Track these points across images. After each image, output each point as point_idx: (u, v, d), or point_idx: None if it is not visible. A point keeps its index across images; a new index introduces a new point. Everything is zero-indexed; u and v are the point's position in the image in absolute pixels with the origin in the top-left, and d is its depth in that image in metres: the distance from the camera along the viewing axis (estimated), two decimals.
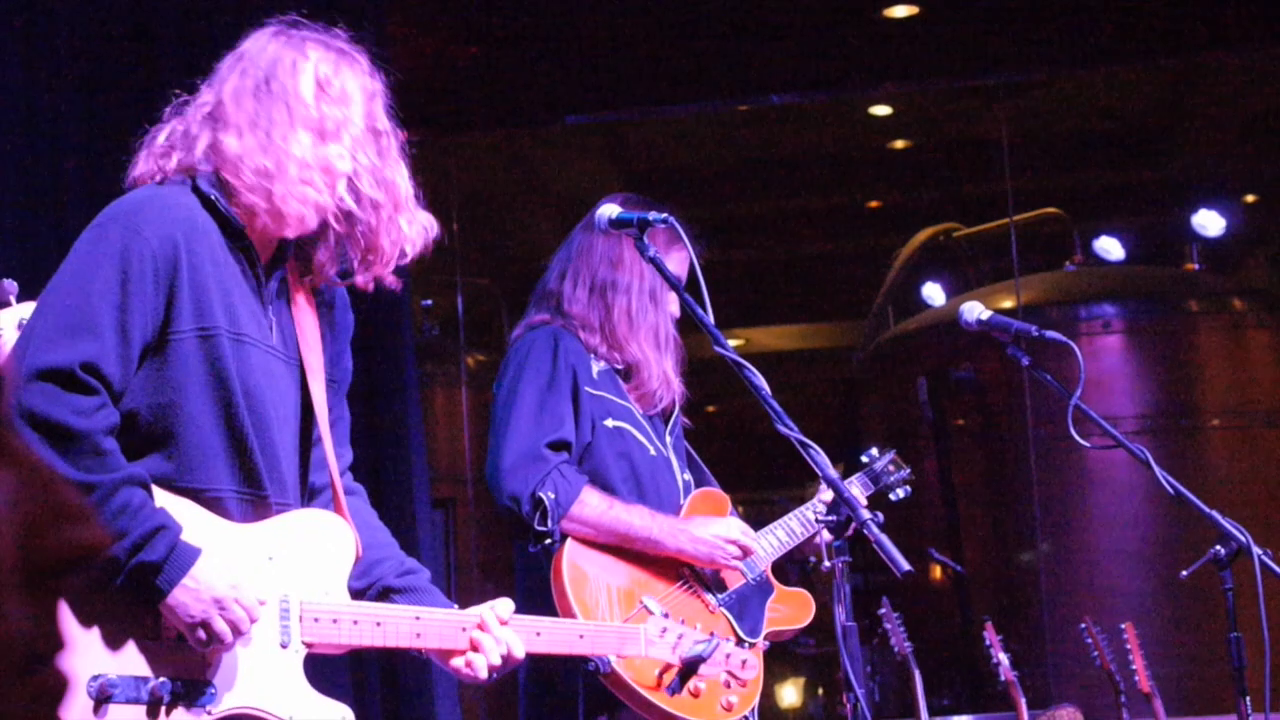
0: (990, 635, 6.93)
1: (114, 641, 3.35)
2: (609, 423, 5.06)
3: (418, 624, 3.72)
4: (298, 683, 3.55)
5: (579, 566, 4.86)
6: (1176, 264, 11.17)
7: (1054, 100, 11.11)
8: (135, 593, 3.35)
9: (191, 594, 3.35)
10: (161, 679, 3.37)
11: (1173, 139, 11.94)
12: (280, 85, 3.64)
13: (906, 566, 3.60)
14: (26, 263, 6.14)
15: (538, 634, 3.94)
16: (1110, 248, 11.18)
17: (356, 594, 3.77)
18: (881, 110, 11.22)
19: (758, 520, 5.44)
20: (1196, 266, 11.03)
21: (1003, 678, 6.87)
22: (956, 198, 12.37)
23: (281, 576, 3.56)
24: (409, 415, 7.25)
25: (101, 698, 3.30)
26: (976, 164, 11.48)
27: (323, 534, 3.66)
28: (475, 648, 3.78)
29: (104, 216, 3.53)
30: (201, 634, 3.38)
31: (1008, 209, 10.63)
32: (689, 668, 4.35)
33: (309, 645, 3.57)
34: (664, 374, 5.16)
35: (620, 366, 5.14)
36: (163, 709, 3.36)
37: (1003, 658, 6.88)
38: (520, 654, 3.84)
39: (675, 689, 4.46)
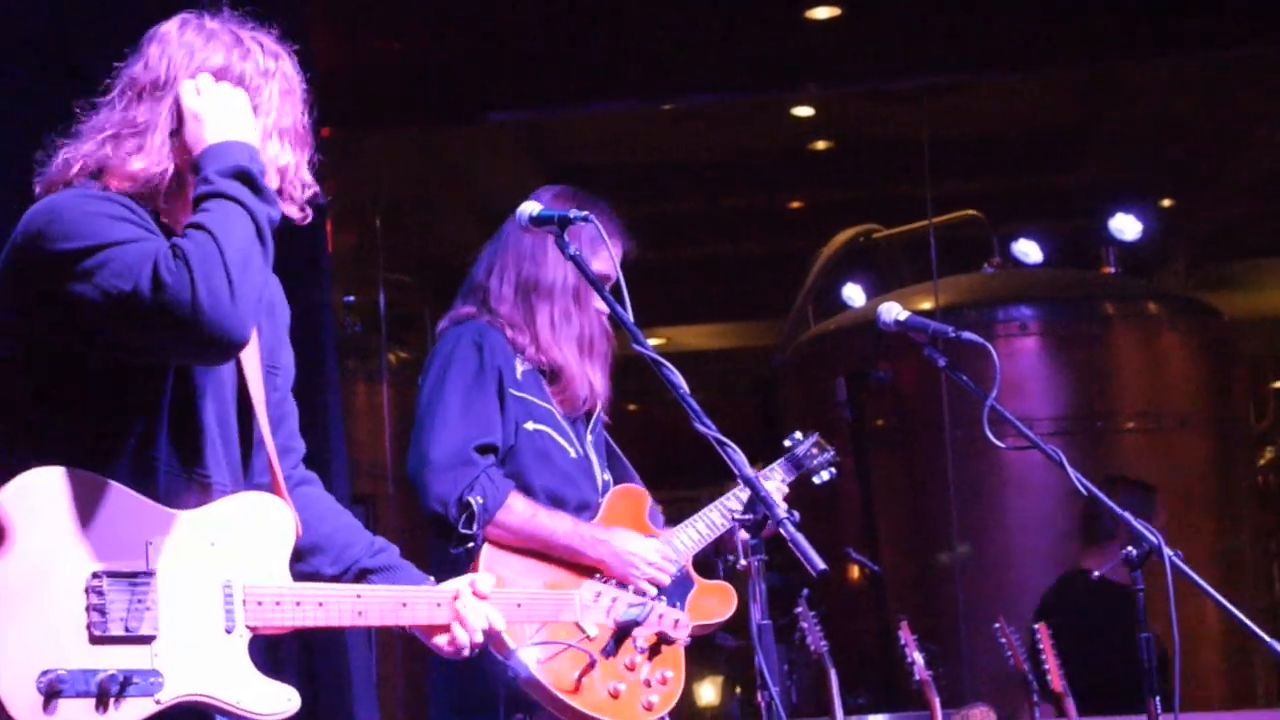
0: (905, 635, 6.97)
1: (58, 639, 3.35)
2: (529, 425, 5.07)
3: (359, 602, 3.73)
4: (244, 667, 3.55)
5: (495, 570, 4.83)
6: (1093, 268, 11.24)
7: (974, 103, 11.17)
8: None
9: None
10: (110, 671, 3.37)
11: (1091, 143, 12.03)
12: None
13: (822, 566, 3.61)
14: None
15: (404, 605, 3.87)
16: (1028, 251, 11.25)
17: (333, 579, 3.83)
18: (803, 111, 11.26)
19: (678, 518, 5.46)
20: (1113, 270, 11.11)
21: (917, 677, 6.90)
22: (877, 199, 12.41)
23: (223, 561, 3.55)
24: (330, 411, 7.23)
25: (51, 693, 3.30)
26: (897, 166, 11.52)
27: (262, 516, 3.65)
28: (461, 622, 3.82)
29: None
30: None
31: (927, 211, 10.68)
32: (624, 631, 4.34)
33: (253, 629, 3.57)
34: (587, 379, 5.17)
35: (545, 368, 5.14)
36: (111, 700, 3.36)
37: (918, 657, 6.91)
38: (501, 625, 3.87)
39: (610, 652, 4.45)
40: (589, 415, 5.29)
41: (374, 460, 10.36)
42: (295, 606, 3.63)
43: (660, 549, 5.11)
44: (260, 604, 3.58)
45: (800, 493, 5.85)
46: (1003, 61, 9.82)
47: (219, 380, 3.66)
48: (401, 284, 11.61)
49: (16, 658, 3.31)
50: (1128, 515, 4.52)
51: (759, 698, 3.78)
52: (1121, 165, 12.32)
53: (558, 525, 4.98)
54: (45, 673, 3.31)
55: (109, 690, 3.36)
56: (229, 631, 3.54)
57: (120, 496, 3.45)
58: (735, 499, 5.34)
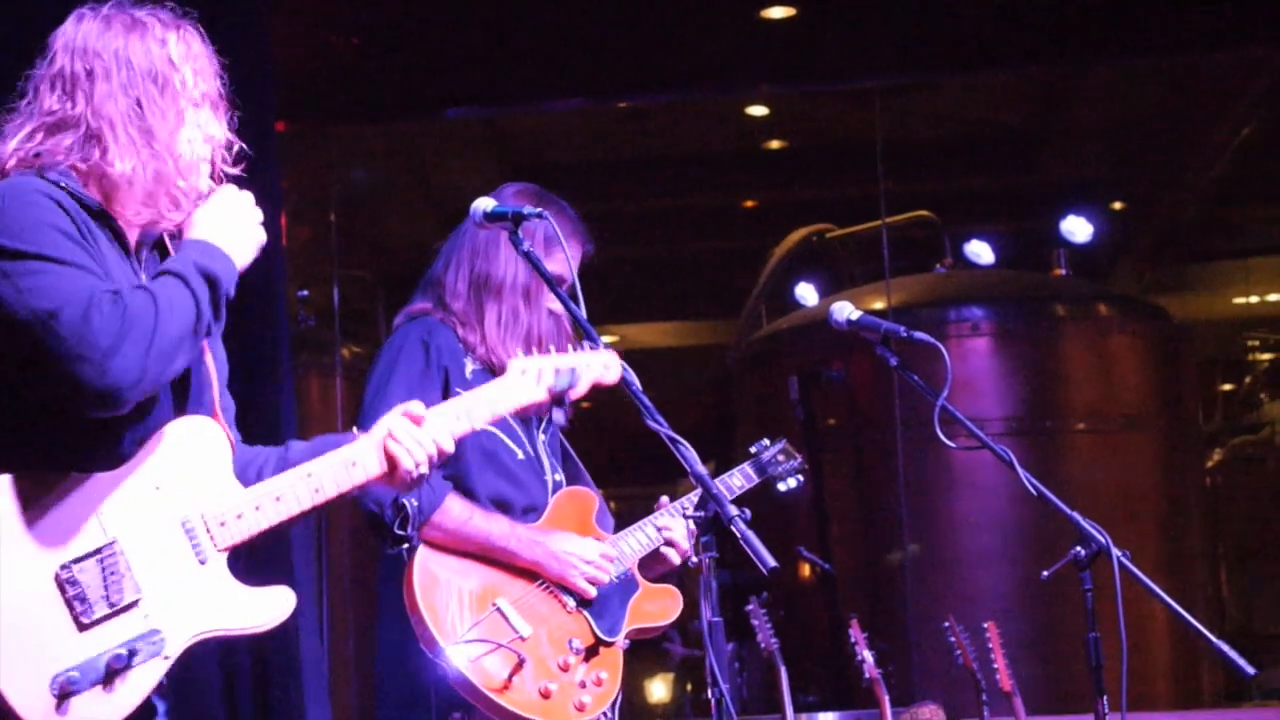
0: (855, 633, 6.99)
1: (51, 641, 3.39)
2: None
3: (310, 480, 3.74)
4: (232, 589, 3.62)
5: (430, 571, 4.85)
6: (1045, 269, 11.30)
7: (928, 104, 11.21)
8: None
9: None
10: (113, 650, 3.42)
11: (1043, 146, 12.08)
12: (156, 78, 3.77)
13: (773, 563, 3.63)
14: None
15: (353, 465, 3.84)
16: (980, 252, 11.30)
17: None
18: (758, 110, 11.29)
19: (630, 517, 5.45)
20: (1064, 272, 11.16)
21: (867, 675, 6.92)
22: (830, 199, 12.45)
23: (173, 500, 3.60)
24: (282, 405, 7.22)
25: (64, 694, 3.35)
26: (850, 166, 11.56)
27: (194, 439, 3.68)
28: (392, 461, 3.80)
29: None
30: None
31: (880, 211, 10.71)
32: (559, 398, 4.24)
33: (227, 549, 3.63)
34: None
35: (495, 367, 5.12)
36: (118, 679, 3.42)
37: (867, 655, 6.93)
38: (450, 446, 3.86)
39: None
40: (541, 417, 5.27)
41: None
42: (256, 511, 3.66)
43: (600, 549, 5.08)
44: (223, 524, 3.62)
45: (755, 493, 5.84)
46: (957, 63, 9.85)
47: None
48: (356, 279, 11.60)
49: (21, 673, 3.34)
50: (1076, 516, 4.55)
51: (709, 694, 3.80)
52: (1074, 168, 12.39)
53: (493, 528, 4.95)
54: (55, 678, 3.35)
55: (117, 667, 3.41)
56: (204, 563, 3.59)
57: (60, 484, 3.48)
58: (684, 507, 5.32)
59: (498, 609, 4.87)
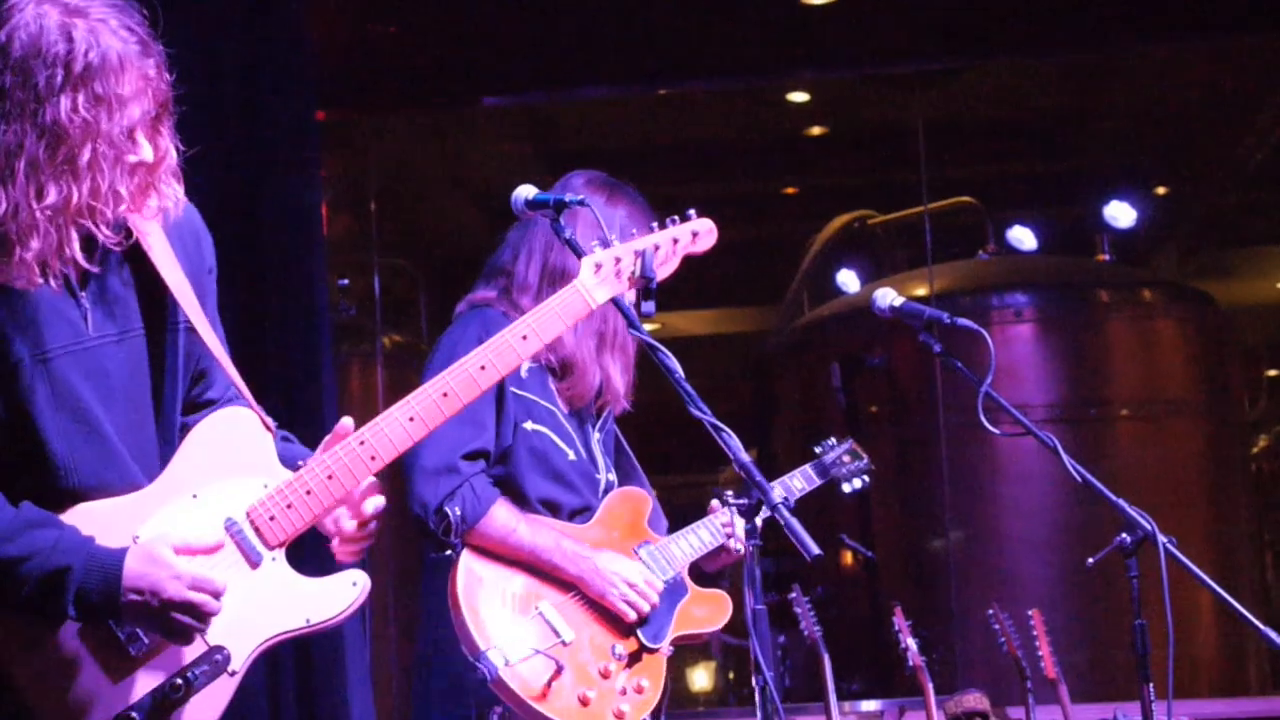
0: (899, 620, 6.97)
1: (112, 682, 3.32)
2: (528, 425, 4.98)
3: (364, 446, 3.58)
4: (294, 585, 3.50)
5: (474, 573, 4.81)
6: (1088, 254, 11.26)
7: (970, 90, 11.16)
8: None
9: (140, 607, 3.30)
10: (173, 680, 3.33)
11: (1086, 131, 12.03)
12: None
13: (816, 550, 3.61)
14: None
15: (411, 419, 3.69)
16: (1023, 237, 11.26)
17: None
18: (799, 97, 11.25)
19: (672, 506, 5.41)
20: (1107, 257, 11.12)
21: (910, 663, 6.90)
22: (872, 185, 12.41)
23: (214, 505, 3.47)
24: (324, 394, 7.22)
25: None
26: (892, 152, 11.52)
27: (228, 435, 3.55)
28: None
29: None
30: (180, 629, 3.35)
31: (922, 197, 10.68)
32: (647, 285, 4.19)
33: (280, 544, 3.50)
34: (602, 371, 5.06)
35: (555, 364, 5.08)
36: (183, 709, 3.33)
37: (911, 643, 6.92)
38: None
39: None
40: (598, 414, 5.20)
41: None
42: (307, 496, 3.52)
43: (644, 573, 4.99)
44: (273, 518, 3.49)
45: (829, 488, 5.74)
46: (999, 47, 9.80)
47: (111, 386, 3.47)
48: (396, 267, 11.61)
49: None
50: (1122, 502, 4.52)
51: (753, 683, 3.77)
52: (1117, 152, 12.32)
53: (540, 539, 4.88)
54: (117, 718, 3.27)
55: (175, 697, 3.31)
56: (256, 564, 3.47)
57: (92, 511, 3.37)
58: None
59: (540, 613, 4.83)
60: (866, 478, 5.82)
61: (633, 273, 4.18)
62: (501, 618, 4.79)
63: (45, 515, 3.31)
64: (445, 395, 3.73)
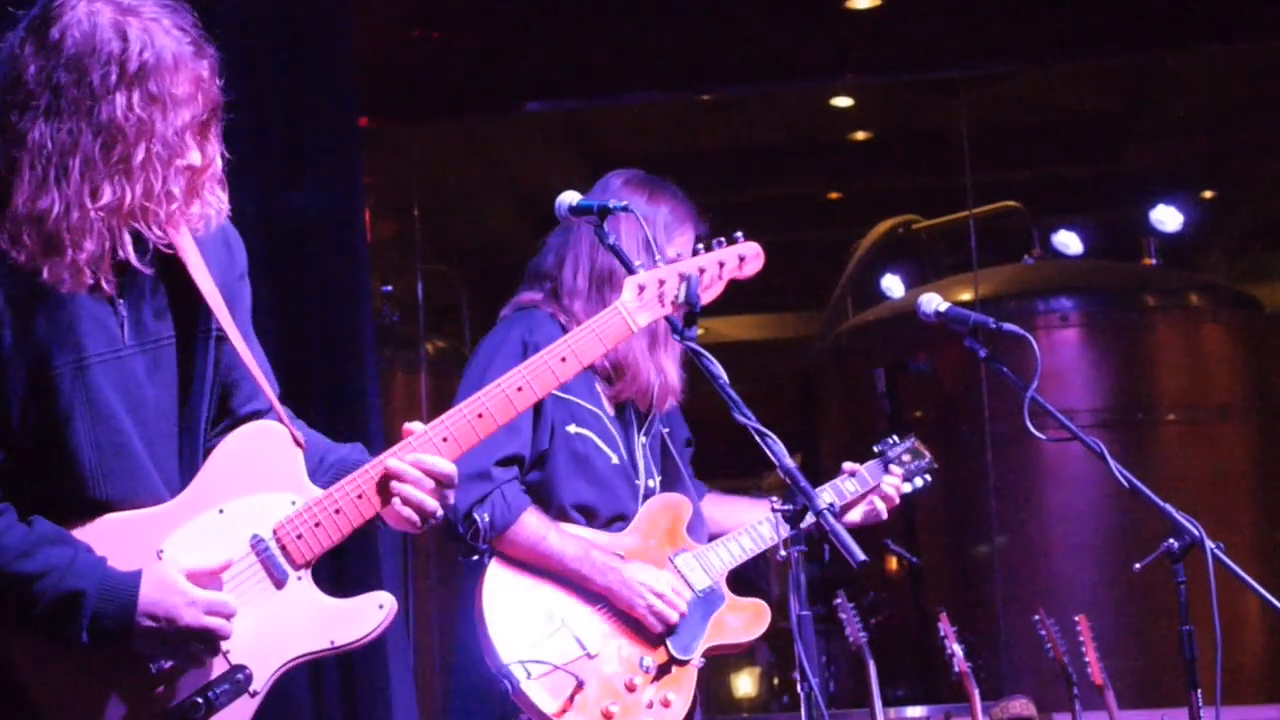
0: (945, 626, 6.95)
1: (133, 696, 3.28)
2: (570, 428, 4.97)
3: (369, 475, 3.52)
4: (319, 606, 3.44)
5: (501, 581, 4.81)
6: (1134, 259, 11.20)
7: (1015, 93, 11.13)
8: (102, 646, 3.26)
9: (154, 633, 3.27)
10: (193, 699, 3.29)
11: (1132, 134, 11.97)
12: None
13: (862, 556, 3.60)
14: None
15: (444, 439, 3.66)
16: (1069, 242, 11.22)
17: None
18: (843, 101, 11.23)
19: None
20: (1154, 262, 11.07)
21: (956, 669, 6.88)
22: (916, 190, 12.38)
23: (240, 520, 3.42)
24: (368, 401, 7.22)
25: None
26: (937, 156, 11.48)
27: (255, 449, 3.49)
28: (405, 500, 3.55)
29: None
30: (193, 655, 3.31)
31: (967, 201, 10.65)
32: (691, 310, 4.12)
33: (307, 563, 3.44)
34: (656, 368, 5.03)
35: (606, 367, 5.05)
36: None
37: (957, 649, 6.89)
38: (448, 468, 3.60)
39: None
40: (643, 418, 5.17)
41: None
42: (335, 515, 3.47)
43: (671, 583, 4.95)
44: (300, 537, 3.44)
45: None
46: (1043, 51, 9.78)
47: (143, 396, 3.43)
48: (439, 273, 11.62)
49: None
50: (1169, 508, 4.49)
51: (798, 688, 3.75)
52: (1163, 156, 12.27)
53: (568, 548, 4.86)
54: None
55: (200, 712, 3.27)
56: (282, 584, 3.41)
57: (114, 526, 3.33)
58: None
59: (566, 624, 4.82)
60: (928, 477, 5.65)
61: (675, 297, 4.15)
62: (526, 629, 4.78)
63: (59, 531, 3.27)
64: (480, 416, 3.71)
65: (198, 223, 3.44)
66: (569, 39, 9.30)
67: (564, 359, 3.92)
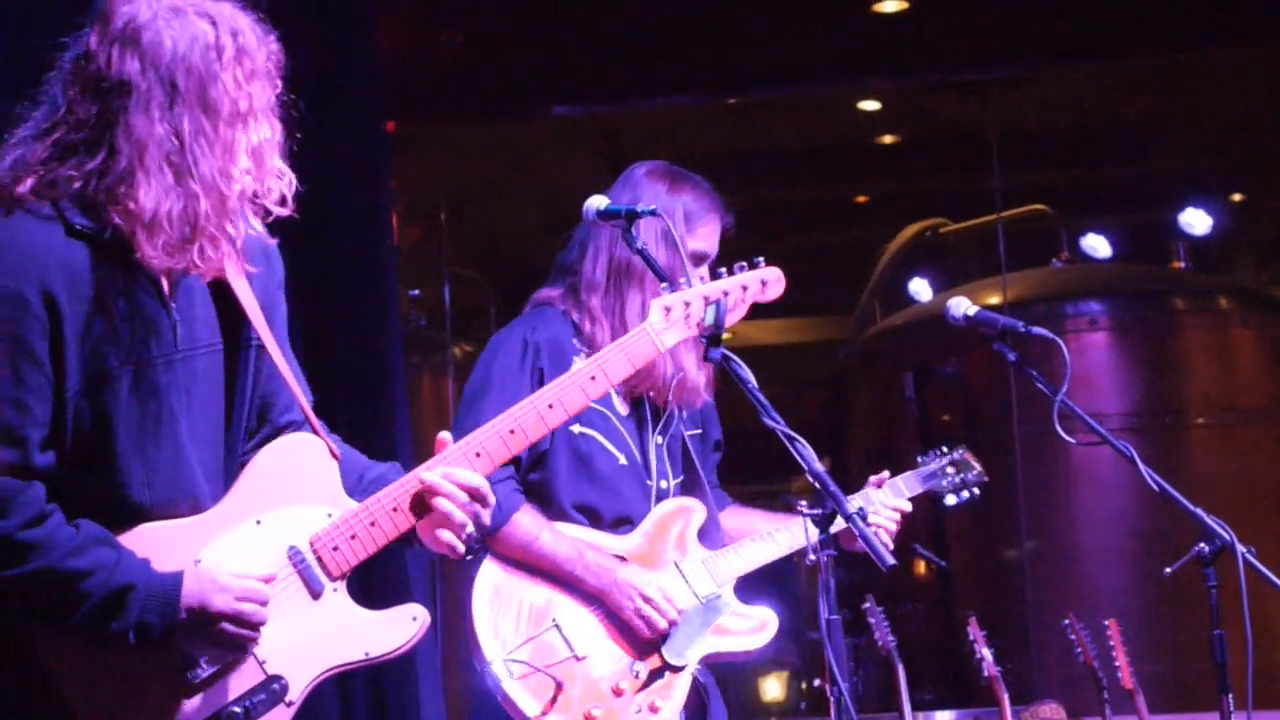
0: (974, 630, 6.93)
1: (170, 705, 3.28)
2: (575, 428, 4.91)
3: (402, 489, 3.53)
4: (353, 617, 3.45)
5: (492, 581, 4.79)
6: (1163, 262, 11.19)
7: (1042, 97, 11.12)
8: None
9: (192, 626, 3.28)
10: (230, 709, 3.30)
11: (1160, 137, 11.95)
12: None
13: (892, 561, 3.60)
14: None
15: (477, 454, 3.64)
16: (1097, 245, 11.21)
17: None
18: (870, 105, 11.23)
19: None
20: (1183, 265, 11.05)
21: (986, 673, 6.86)
22: (944, 193, 12.37)
23: (277, 532, 3.42)
24: (396, 405, 7.23)
25: None
26: (965, 160, 11.48)
27: (293, 461, 3.50)
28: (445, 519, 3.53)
29: None
30: (230, 640, 3.31)
31: (995, 205, 10.64)
32: (715, 334, 4.08)
33: (343, 575, 3.45)
34: (678, 364, 4.94)
35: None
36: None
37: (986, 653, 6.87)
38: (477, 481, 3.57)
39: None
40: (659, 417, 5.09)
41: None
42: (371, 528, 3.47)
43: (663, 588, 4.86)
44: (336, 549, 3.44)
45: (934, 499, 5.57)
46: (1071, 54, 9.77)
47: (195, 398, 3.44)
48: (466, 277, 11.63)
49: None
50: (1200, 511, 4.48)
51: (828, 693, 3.73)
52: (1192, 159, 12.24)
53: (561, 549, 4.81)
54: None
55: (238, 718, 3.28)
56: (318, 595, 3.42)
57: (153, 535, 3.33)
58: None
59: (556, 625, 4.78)
60: (976, 489, 5.58)
61: (701, 319, 4.16)
62: (512, 628, 4.75)
63: (105, 533, 3.28)
64: (512, 433, 3.72)
65: (245, 230, 3.49)
66: (596, 43, 9.31)
67: (593, 378, 3.95)
